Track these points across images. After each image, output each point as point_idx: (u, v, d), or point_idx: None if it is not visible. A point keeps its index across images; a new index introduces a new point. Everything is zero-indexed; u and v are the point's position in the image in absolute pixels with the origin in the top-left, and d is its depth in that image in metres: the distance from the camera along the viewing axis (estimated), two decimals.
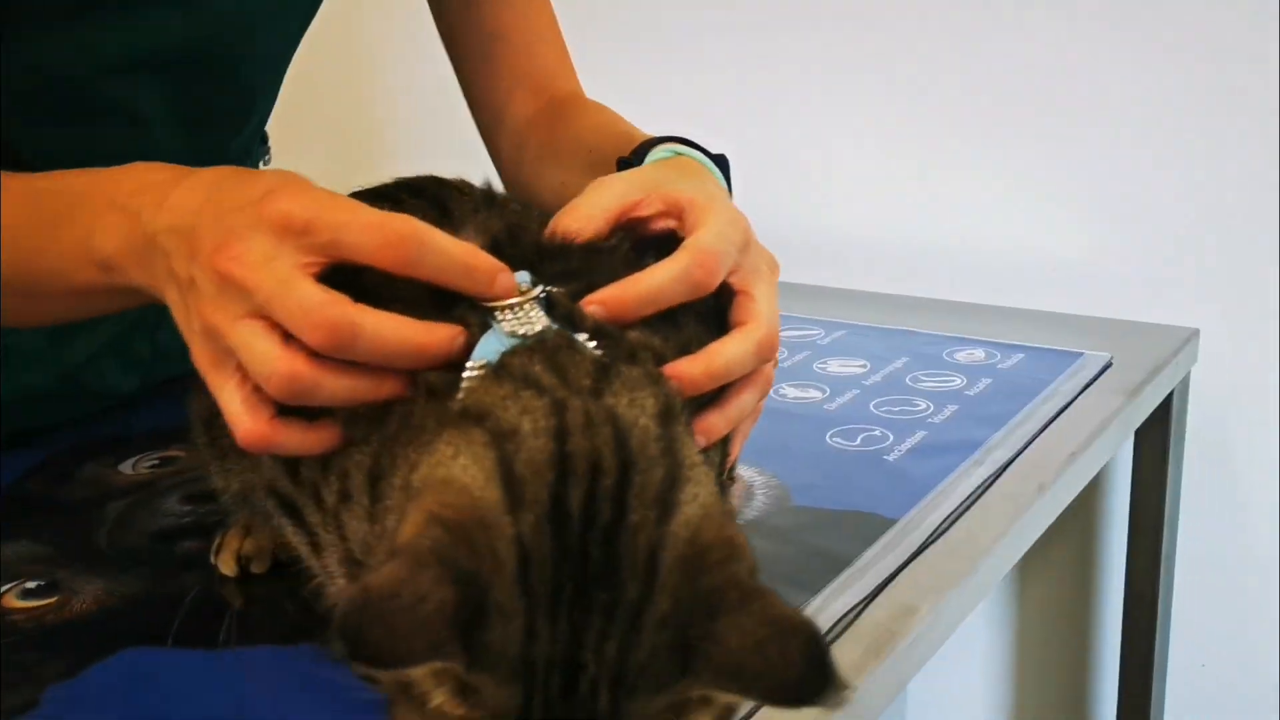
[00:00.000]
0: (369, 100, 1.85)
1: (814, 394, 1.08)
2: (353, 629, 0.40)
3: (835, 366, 1.16)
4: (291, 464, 0.58)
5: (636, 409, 0.49)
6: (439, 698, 0.43)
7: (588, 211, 0.63)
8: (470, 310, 0.55)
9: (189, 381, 0.66)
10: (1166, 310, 1.34)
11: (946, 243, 1.49)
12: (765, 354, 0.61)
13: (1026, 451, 0.96)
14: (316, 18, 1.05)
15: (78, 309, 0.72)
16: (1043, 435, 0.99)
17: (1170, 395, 1.25)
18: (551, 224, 0.63)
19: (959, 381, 1.11)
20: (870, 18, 1.50)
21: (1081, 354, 1.18)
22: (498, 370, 0.51)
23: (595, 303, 0.57)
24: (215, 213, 0.56)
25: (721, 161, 0.78)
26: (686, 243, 0.61)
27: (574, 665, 0.42)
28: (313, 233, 0.54)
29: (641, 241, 0.64)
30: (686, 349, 0.59)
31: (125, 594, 0.77)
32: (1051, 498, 0.91)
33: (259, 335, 0.53)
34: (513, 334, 0.53)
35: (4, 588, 0.78)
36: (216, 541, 0.80)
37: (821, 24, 1.54)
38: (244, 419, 0.55)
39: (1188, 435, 1.33)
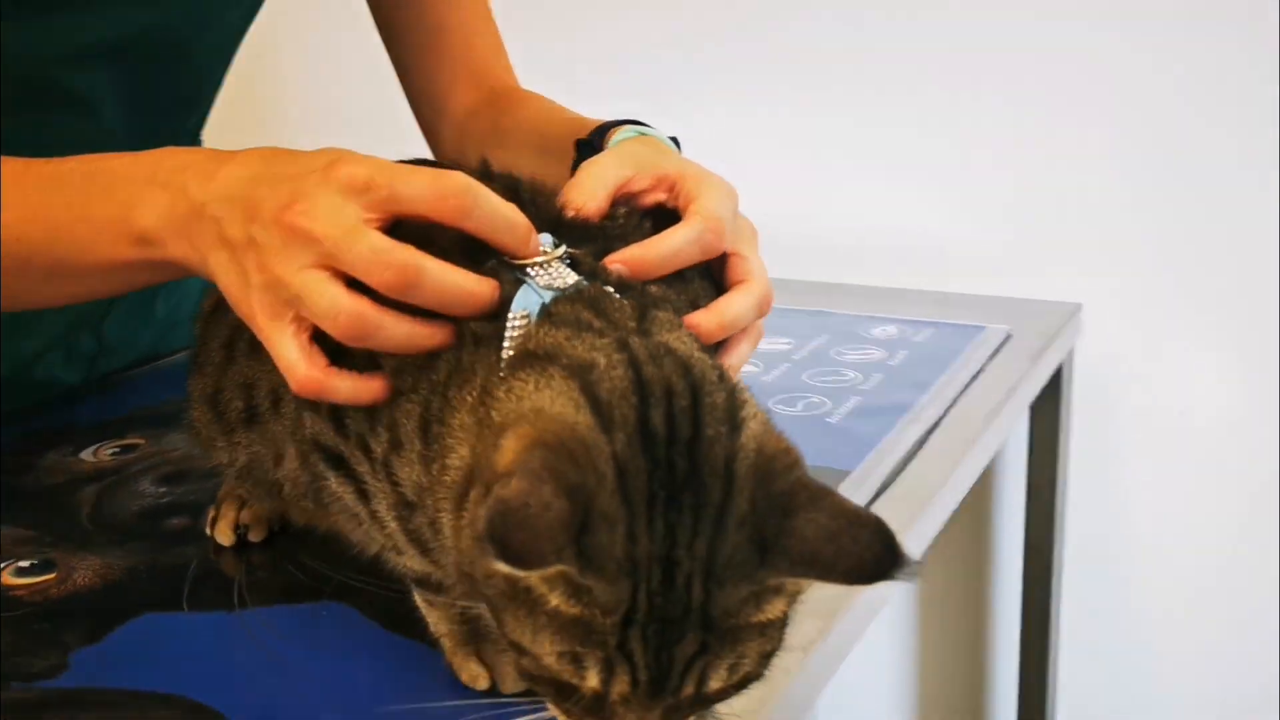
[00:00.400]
0: (302, 90, 1.85)
1: (749, 367, 1.15)
2: (499, 535, 0.44)
3: (763, 344, 1.23)
4: (337, 418, 0.61)
5: (685, 344, 0.55)
6: (555, 600, 0.47)
7: (591, 187, 0.68)
8: (502, 267, 0.59)
9: (136, 373, 0.68)
10: (1054, 287, 1.46)
11: (851, 232, 1.58)
12: (764, 308, 0.68)
13: (952, 410, 1.05)
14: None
15: (96, 288, 0.73)
16: (963, 397, 1.08)
17: (1060, 366, 1.37)
18: (560, 198, 0.68)
19: (879, 354, 1.20)
20: (782, 17, 1.59)
21: (984, 327, 1.28)
22: (549, 317, 0.56)
23: (619, 261, 0.62)
24: (273, 180, 0.60)
25: (674, 142, 0.84)
26: (695, 209, 0.66)
27: (670, 562, 0.47)
28: (374, 189, 0.58)
29: (636, 213, 0.70)
30: (695, 303, 0.65)
31: (126, 567, 0.79)
32: (980, 449, 1.01)
33: (325, 281, 0.57)
34: (548, 287, 0.58)
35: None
36: (210, 514, 0.82)
37: (728, 24, 1.63)
38: (300, 365, 0.59)
39: (1074, 404, 1.46)
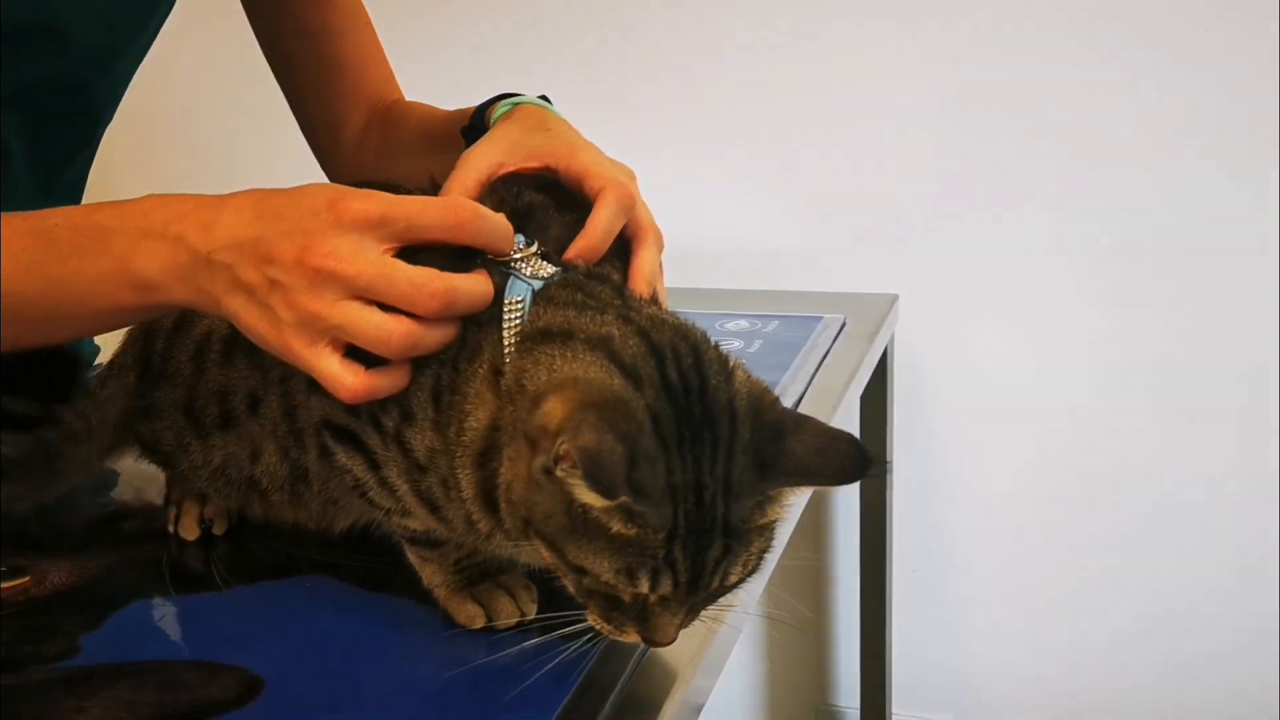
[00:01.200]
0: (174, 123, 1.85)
1: None
2: (593, 474, 0.55)
3: None
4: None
5: (667, 314, 0.67)
6: (615, 525, 0.58)
7: (463, 180, 0.77)
8: (489, 264, 0.69)
9: None
10: (876, 281, 1.65)
11: (695, 240, 1.73)
12: (625, 203, 0.75)
13: (812, 385, 1.19)
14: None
15: (90, 329, 0.78)
16: (819, 375, 1.23)
17: (885, 350, 1.55)
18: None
19: (738, 344, 1.34)
20: (625, 49, 1.73)
21: (821, 317, 1.44)
22: (549, 300, 0.66)
23: (575, 255, 0.73)
24: (278, 224, 0.66)
25: (545, 99, 0.93)
26: (598, 184, 0.76)
27: (699, 486, 0.59)
28: (389, 223, 0.65)
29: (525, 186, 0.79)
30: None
31: (99, 565, 0.84)
32: (845, 412, 1.15)
33: (365, 310, 0.64)
34: (535, 276, 0.68)
35: None
36: (171, 514, 0.88)
37: (571, 45, 1.75)
38: (345, 378, 0.65)
39: (895, 379, 1.64)
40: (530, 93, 0.92)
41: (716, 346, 0.66)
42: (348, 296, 0.64)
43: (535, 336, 0.65)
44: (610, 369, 0.61)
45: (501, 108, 0.90)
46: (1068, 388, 1.68)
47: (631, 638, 0.63)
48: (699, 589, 0.61)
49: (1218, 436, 1.65)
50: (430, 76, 1.82)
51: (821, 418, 1.10)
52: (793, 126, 1.70)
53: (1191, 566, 1.69)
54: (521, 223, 0.75)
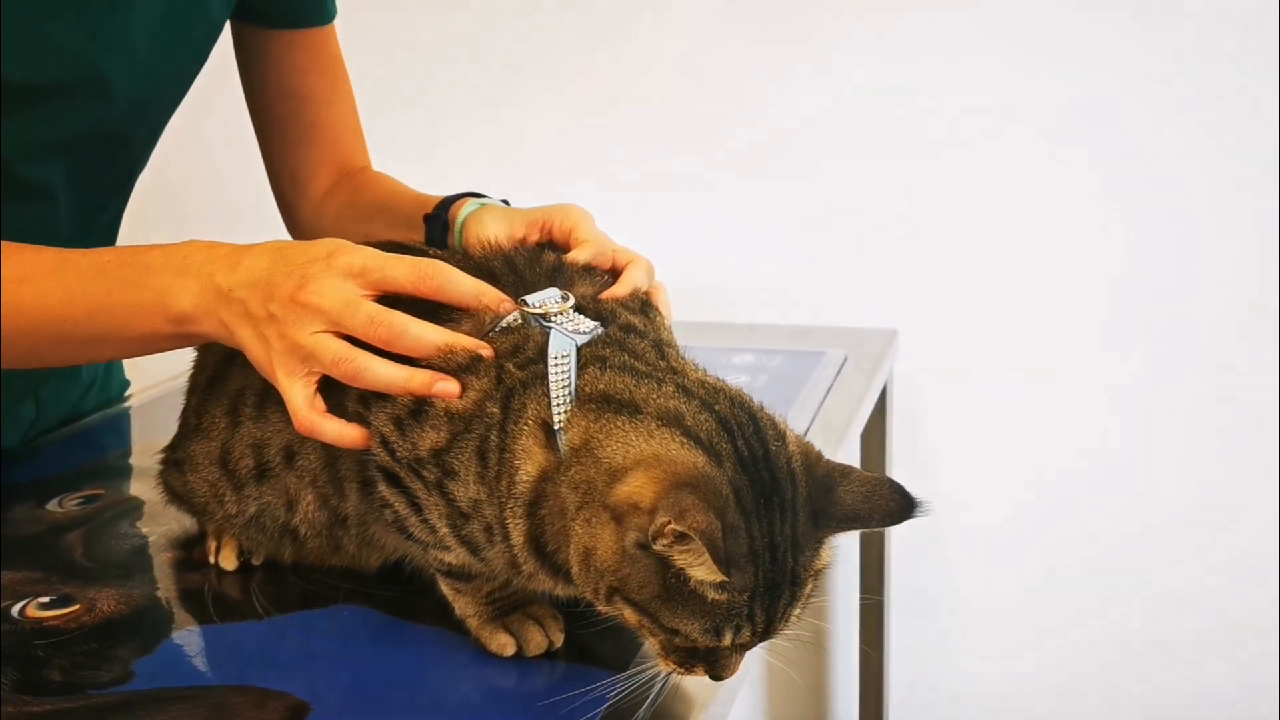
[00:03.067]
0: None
1: None
2: (717, 553, 0.61)
3: None
4: (388, 447, 0.74)
5: (711, 376, 0.74)
6: (710, 593, 0.64)
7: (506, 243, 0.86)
8: (531, 319, 0.75)
9: (58, 435, 0.97)
10: (875, 316, 1.70)
11: (702, 274, 1.78)
12: (602, 257, 0.85)
13: (816, 420, 1.24)
14: None
15: (126, 353, 0.88)
16: (822, 410, 1.28)
17: (885, 384, 1.60)
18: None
19: (745, 378, 1.39)
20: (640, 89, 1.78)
21: (824, 352, 1.49)
22: (599, 363, 0.71)
23: (608, 298, 0.79)
24: (286, 268, 0.77)
25: (505, 203, 1.02)
26: (618, 249, 0.86)
27: (772, 546, 0.65)
28: (368, 273, 0.76)
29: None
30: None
31: (144, 594, 0.88)
32: (848, 446, 1.20)
33: (333, 340, 0.75)
34: (576, 332, 0.73)
35: (18, 605, 0.86)
36: (211, 545, 0.92)
37: (569, 76, 1.81)
38: (303, 409, 0.76)
39: (895, 412, 1.69)
40: (494, 195, 1.03)
41: (762, 408, 0.71)
42: (324, 329, 0.75)
43: (598, 401, 0.69)
44: (689, 446, 0.66)
45: (471, 206, 0.99)
46: (1064, 421, 1.74)
47: (699, 674, 0.68)
48: (770, 635, 0.67)
49: (1215, 471, 1.70)
50: (425, 121, 1.88)
51: (826, 451, 1.16)
52: (795, 162, 1.75)
53: (1187, 593, 1.74)
54: (553, 277, 0.80)
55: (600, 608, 0.69)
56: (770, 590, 0.65)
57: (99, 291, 0.82)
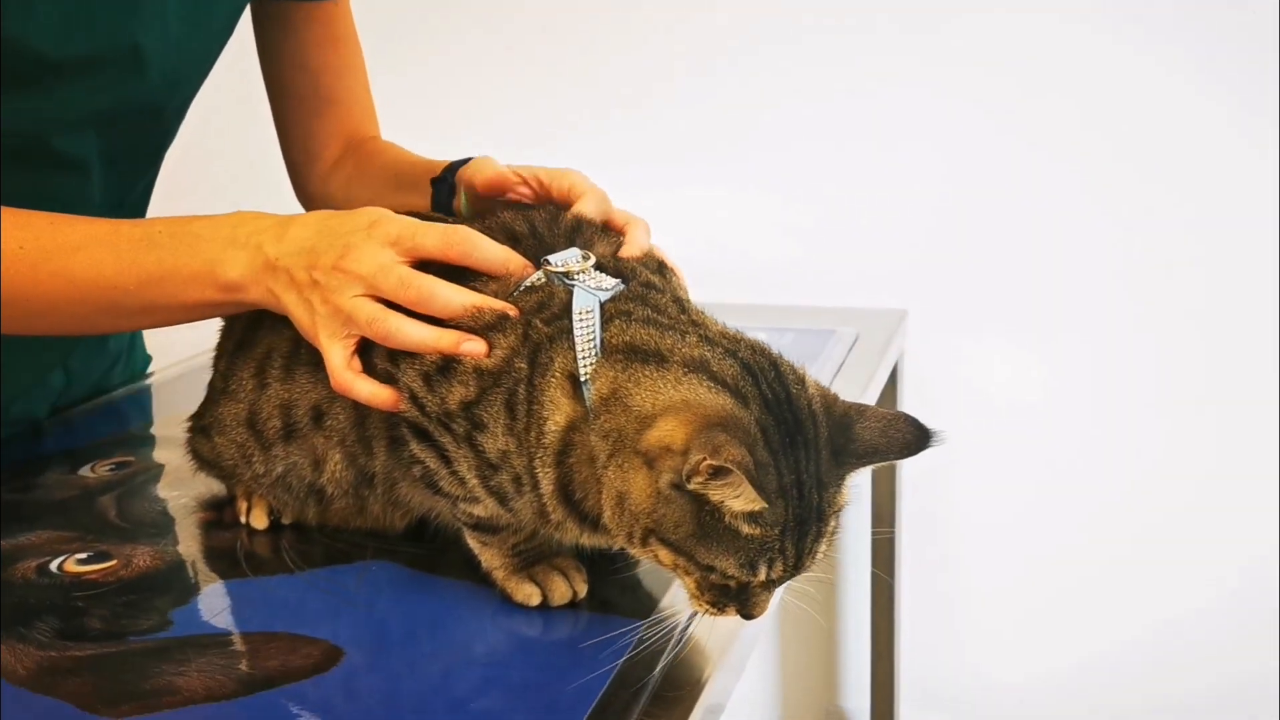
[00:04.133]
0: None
1: None
2: (758, 480, 0.64)
3: None
4: (418, 403, 0.77)
5: (728, 329, 0.77)
6: (744, 526, 0.67)
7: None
8: (554, 277, 0.78)
9: (88, 407, 1.02)
10: (884, 296, 1.72)
11: (713, 254, 1.81)
12: (605, 209, 0.89)
13: None
14: None
15: (186, 318, 0.89)
16: (833, 386, 1.30)
17: (895, 364, 1.62)
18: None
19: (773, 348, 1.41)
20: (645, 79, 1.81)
21: (834, 331, 1.52)
22: (623, 316, 0.74)
23: (626, 258, 0.82)
24: (329, 238, 0.81)
25: None
26: (615, 210, 0.90)
27: (799, 483, 0.68)
28: (402, 241, 0.80)
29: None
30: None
31: (178, 551, 0.91)
32: None
33: (368, 303, 0.79)
34: (599, 288, 0.76)
35: (56, 560, 0.89)
36: (242, 505, 0.95)
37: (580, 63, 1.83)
38: (340, 368, 0.80)
39: (905, 393, 1.72)
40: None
41: (781, 356, 0.75)
42: (363, 293, 0.79)
43: (625, 352, 0.72)
44: (717, 389, 0.69)
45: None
46: (1075, 402, 1.76)
47: (730, 615, 0.71)
48: (800, 570, 0.70)
49: (1225, 454, 1.72)
50: (439, 94, 1.90)
51: None
52: (805, 142, 1.78)
53: (1196, 579, 1.76)
54: (571, 238, 0.83)
55: (635, 551, 0.71)
56: (799, 525, 0.68)
57: (150, 261, 0.85)
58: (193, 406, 0.98)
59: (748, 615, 0.71)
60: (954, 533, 1.86)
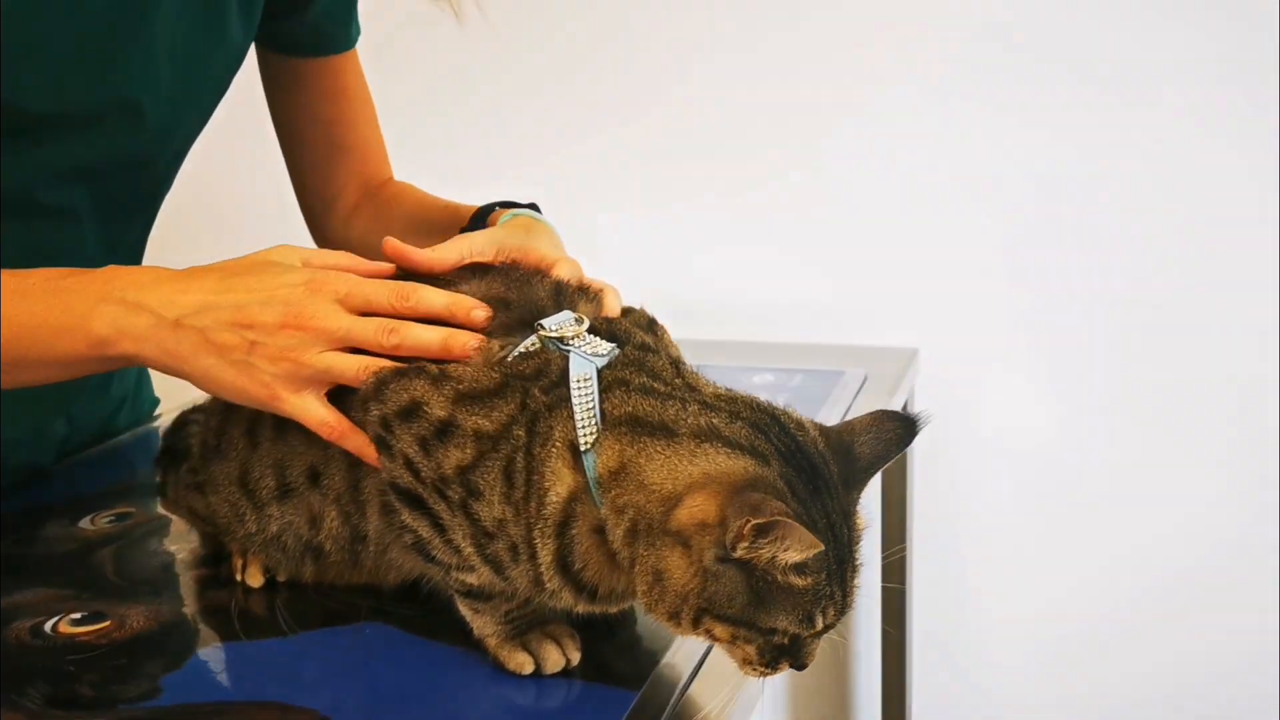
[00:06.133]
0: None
1: None
2: (799, 517, 0.65)
3: None
4: (413, 468, 0.76)
5: (721, 388, 0.76)
6: (796, 580, 0.67)
7: (443, 254, 0.88)
8: (548, 343, 0.77)
9: (93, 453, 1.03)
10: (893, 334, 1.71)
11: (720, 293, 1.80)
12: (576, 270, 0.89)
13: None
14: None
15: (54, 376, 0.91)
16: None
17: (905, 401, 1.60)
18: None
19: (764, 398, 1.40)
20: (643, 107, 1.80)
21: (844, 372, 1.50)
22: (621, 386, 0.73)
23: (617, 319, 0.81)
24: (255, 297, 0.81)
25: (535, 208, 1.06)
26: (586, 278, 0.89)
27: (831, 524, 0.68)
28: (352, 299, 0.82)
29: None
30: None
31: (172, 611, 0.90)
32: None
33: (343, 357, 0.80)
34: (595, 354, 0.75)
35: (50, 620, 0.88)
36: (237, 563, 0.94)
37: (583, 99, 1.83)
38: (329, 419, 0.80)
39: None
40: (525, 196, 1.08)
41: (775, 405, 0.74)
42: (330, 348, 0.80)
43: (629, 424, 0.71)
44: (734, 454, 0.68)
45: (505, 217, 1.02)
46: (1086, 440, 1.74)
47: (783, 670, 0.71)
48: (847, 609, 0.70)
49: (1237, 490, 1.69)
50: (441, 153, 1.90)
51: None
52: (810, 179, 1.77)
53: (1210, 614, 1.73)
54: (557, 300, 0.82)
55: (683, 632, 0.70)
56: (840, 566, 0.69)
57: (21, 313, 0.86)
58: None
59: (801, 666, 0.71)
60: (967, 573, 1.83)
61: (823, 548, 0.65)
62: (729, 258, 1.81)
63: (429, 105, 1.89)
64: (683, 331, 1.73)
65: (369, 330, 0.80)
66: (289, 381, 0.80)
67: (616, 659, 0.82)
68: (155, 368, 0.85)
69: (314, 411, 0.80)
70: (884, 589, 1.73)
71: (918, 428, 0.73)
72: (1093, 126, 1.66)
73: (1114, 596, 1.77)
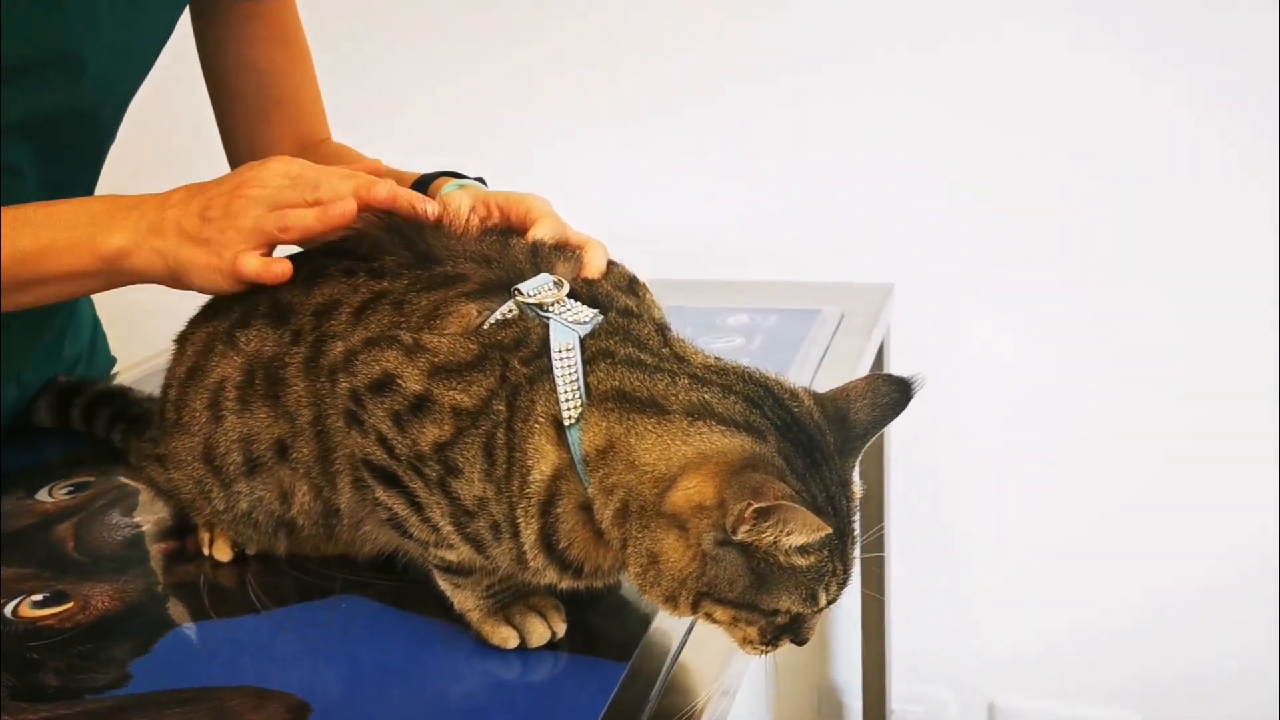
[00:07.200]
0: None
1: None
2: (803, 500, 0.63)
3: None
4: (387, 445, 0.72)
5: (712, 358, 0.72)
6: (798, 560, 0.65)
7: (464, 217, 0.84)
8: (526, 309, 0.73)
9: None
10: (867, 270, 1.68)
11: (691, 231, 1.76)
12: (560, 234, 0.85)
13: (816, 377, 1.23)
14: None
15: (59, 294, 0.92)
16: (820, 370, 1.27)
17: (882, 341, 1.58)
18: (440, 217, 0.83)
19: (740, 340, 1.37)
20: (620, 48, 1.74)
21: (819, 310, 1.47)
22: (606, 358, 0.69)
23: (597, 280, 0.77)
24: (218, 184, 0.85)
25: (482, 181, 1.01)
26: (571, 232, 0.86)
27: (830, 497, 0.66)
28: (302, 181, 0.84)
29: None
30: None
31: (139, 589, 0.87)
32: None
33: (273, 213, 0.83)
34: (576, 322, 0.71)
35: (11, 603, 0.85)
36: (204, 536, 0.90)
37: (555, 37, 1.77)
38: (273, 265, 0.82)
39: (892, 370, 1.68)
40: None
41: (767, 374, 0.71)
42: (267, 210, 0.83)
43: (616, 399, 0.68)
44: (729, 431, 0.65)
45: (448, 187, 0.97)
46: (1061, 375, 1.72)
47: (783, 646, 0.69)
48: (849, 582, 0.68)
49: (1229, 433, 1.68)
50: (423, 75, 1.84)
51: None
52: (786, 116, 1.72)
53: (1188, 552, 1.74)
54: (534, 261, 0.78)
55: (679, 614, 0.68)
56: (840, 539, 0.67)
57: (25, 238, 0.87)
58: None
59: (801, 641, 0.70)
60: (943, 508, 1.83)
61: (830, 530, 0.63)
62: (699, 195, 1.76)
63: (372, 60, 1.82)
64: (654, 272, 1.69)
65: (297, 188, 0.83)
66: (235, 244, 0.82)
67: (603, 627, 0.80)
68: (152, 277, 0.87)
69: (253, 264, 0.82)
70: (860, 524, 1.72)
71: (913, 391, 0.71)
72: (1083, 58, 1.62)
73: (1093, 527, 1.76)
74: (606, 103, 1.77)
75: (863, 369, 1.37)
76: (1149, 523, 1.74)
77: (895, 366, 1.68)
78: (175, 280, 0.86)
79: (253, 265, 0.82)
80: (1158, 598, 1.76)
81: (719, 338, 1.39)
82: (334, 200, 0.82)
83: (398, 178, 1.06)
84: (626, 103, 1.77)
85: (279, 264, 0.83)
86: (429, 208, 0.82)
